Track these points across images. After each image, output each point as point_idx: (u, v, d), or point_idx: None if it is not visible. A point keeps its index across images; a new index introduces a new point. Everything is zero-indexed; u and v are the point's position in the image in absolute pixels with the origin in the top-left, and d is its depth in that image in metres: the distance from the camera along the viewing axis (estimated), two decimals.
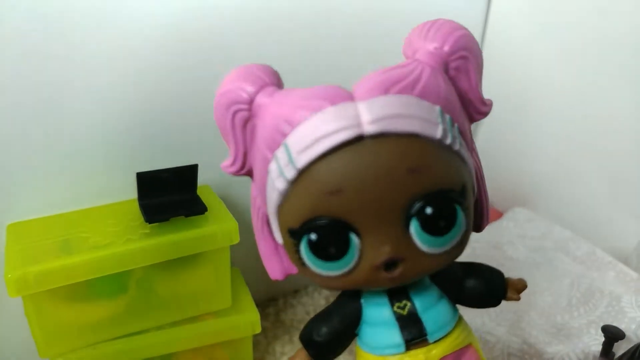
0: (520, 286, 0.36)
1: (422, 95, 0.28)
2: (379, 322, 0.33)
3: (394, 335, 0.32)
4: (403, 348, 0.31)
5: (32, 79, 0.51)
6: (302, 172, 0.28)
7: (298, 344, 0.36)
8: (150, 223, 0.53)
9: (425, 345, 0.31)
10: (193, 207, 0.56)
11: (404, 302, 0.32)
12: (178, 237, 0.53)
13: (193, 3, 0.55)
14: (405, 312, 0.32)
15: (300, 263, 0.30)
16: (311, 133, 0.27)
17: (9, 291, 0.47)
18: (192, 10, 0.56)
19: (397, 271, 0.29)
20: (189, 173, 0.57)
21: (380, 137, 0.27)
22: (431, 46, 0.30)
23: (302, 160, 0.27)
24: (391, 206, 0.28)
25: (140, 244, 0.51)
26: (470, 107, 0.32)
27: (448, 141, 0.28)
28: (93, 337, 0.53)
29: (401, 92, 0.28)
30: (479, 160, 0.34)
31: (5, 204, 0.54)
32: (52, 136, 0.54)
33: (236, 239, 0.56)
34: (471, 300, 0.35)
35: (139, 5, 0.53)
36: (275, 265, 0.35)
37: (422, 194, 0.27)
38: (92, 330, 0.53)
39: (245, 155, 0.32)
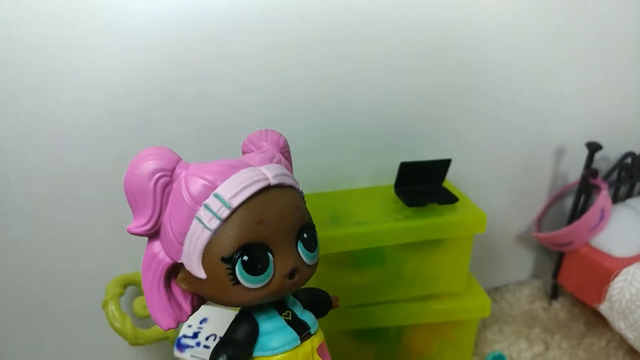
0: (336, 298, 0.51)
1: (285, 167, 0.41)
2: (275, 329, 0.41)
3: (291, 334, 0.41)
4: (299, 341, 0.41)
5: None
6: (233, 212, 0.37)
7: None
8: (410, 207, 0.61)
9: (309, 337, 0.42)
10: (445, 196, 0.62)
11: (287, 311, 0.43)
12: (433, 222, 0.60)
13: None
14: (290, 318, 0.42)
15: (233, 283, 0.38)
16: (239, 184, 0.37)
17: None
18: None
19: (296, 278, 0.40)
20: (442, 166, 0.63)
21: (279, 186, 0.39)
22: (271, 143, 0.44)
23: (235, 202, 0.37)
24: (290, 231, 0.40)
25: (400, 224, 0.59)
26: None
27: (303, 194, 0.43)
28: (353, 299, 0.62)
29: (277, 163, 0.41)
30: None
31: None
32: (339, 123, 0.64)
33: (483, 229, 0.61)
34: (314, 310, 0.46)
35: None
36: (167, 316, 0.41)
37: (302, 224, 0.40)
38: (351, 293, 0.62)
39: (159, 216, 0.38)
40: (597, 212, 0.72)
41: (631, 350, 0.71)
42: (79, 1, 0.53)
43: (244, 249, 0.37)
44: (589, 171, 0.73)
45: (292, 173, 0.44)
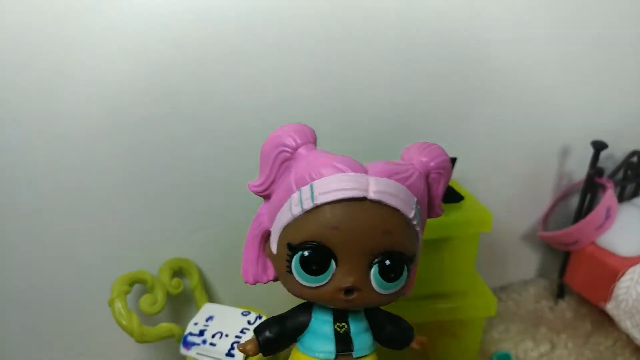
0: (422, 340, 0.48)
1: (409, 187, 0.39)
2: (321, 333, 0.41)
3: (330, 345, 0.41)
4: (333, 355, 0.41)
5: None
6: (316, 207, 0.37)
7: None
8: None
9: (348, 358, 0.41)
10: (450, 195, 0.62)
11: (343, 324, 0.41)
12: (439, 220, 0.59)
13: None
14: (342, 332, 0.41)
15: (287, 270, 0.39)
16: (334, 184, 0.37)
17: None
18: None
19: (352, 297, 0.39)
20: None
21: (377, 203, 0.37)
22: (424, 159, 0.41)
23: (321, 199, 0.37)
24: (365, 250, 0.38)
25: None
26: (431, 208, 0.43)
27: (414, 222, 0.39)
28: None
29: (397, 180, 0.39)
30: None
31: None
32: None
33: (488, 228, 0.61)
34: (386, 340, 0.45)
35: None
36: (251, 270, 0.44)
37: (387, 249, 0.38)
38: None
39: (272, 182, 0.41)
40: (602, 211, 0.72)
41: (638, 349, 0.71)
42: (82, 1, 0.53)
43: (308, 244, 0.37)
44: (595, 170, 0.73)
45: (431, 197, 0.43)
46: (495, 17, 0.67)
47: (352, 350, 0.41)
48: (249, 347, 0.42)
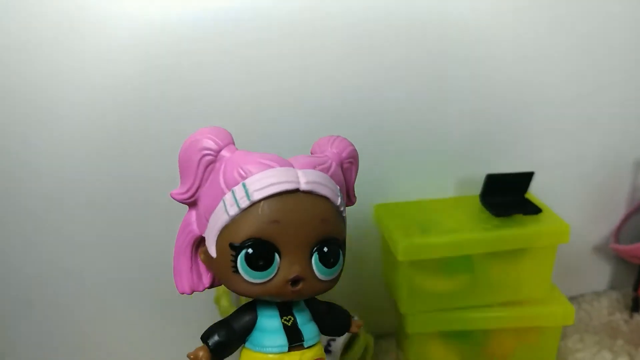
0: (359, 323, 0.50)
1: (332, 177, 0.42)
2: (270, 329, 0.42)
3: (281, 339, 0.42)
4: (286, 348, 0.42)
5: None
6: (253, 204, 0.38)
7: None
8: (498, 217, 0.64)
9: (301, 349, 0.42)
10: (529, 207, 0.66)
11: (289, 317, 0.43)
12: (520, 232, 0.63)
13: None
14: (289, 324, 0.42)
15: (233, 270, 0.39)
16: (267, 179, 0.38)
17: (399, 256, 0.61)
18: None
19: (299, 287, 0.40)
20: (525, 178, 0.67)
21: (309, 193, 0.39)
22: (335, 150, 0.44)
23: (257, 195, 0.38)
24: (306, 240, 0.40)
25: (489, 233, 0.63)
26: (347, 197, 0.46)
27: (341, 209, 0.42)
28: (440, 303, 0.66)
29: (321, 170, 0.41)
30: None
31: (374, 186, 0.70)
32: (407, 135, 0.69)
33: (566, 239, 0.64)
34: (327, 328, 0.47)
35: None
36: (187, 281, 0.44)
37: (324, 237, 0.40)
38: (440, 298, 0.66)
39: (198, 188, 0.42)
40: None
41: None
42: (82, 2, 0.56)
43: (251, 241, 0.38)
44: None
45: (347, 186, 0.45)
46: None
47: (302, 341, 0.42)
48: (201, 353, 0.41)
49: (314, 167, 0.41)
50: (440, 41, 0.66)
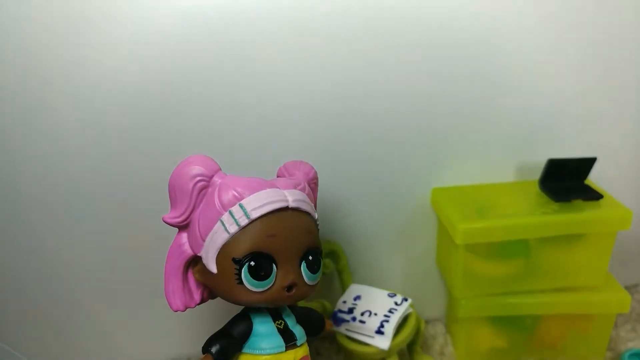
0: (329, 325, 0.57)
1: (307, 195, 0.49)
2: (266, 333, 0.48)
3: (278, 340, 0.48)
4: (284, 348, 0.47)
5: None
6: (251, 222, 0.44)
7: None
8: (557, 202, 0.63)
9: (294, 348, 0.48)
10: (590, 193, 0.64)
11: (280, 321, 0.49)
12: (580, 217, 0.62)
13: None
14: (282, 327, 0.48)
15: (237, 282, 0.44)
16: (262, 199, 0.44)
17: (457, 239, 0.61)
18: None
19: (293, 292, 0.46)
20: (587, 164, 0.65)
21: (296, 210, 0.46)
22: (302, 173, 0.52)
23: (255, 214, 0.44)
24: (296, 251, 0.46)
25: (548, 218, 0.62)
26: None
27: (318, 222, 0.50)
28: (494, 288, 0.66)
29: (300, 190, 0.48)
30: None
31: (433, 170, 0.70)
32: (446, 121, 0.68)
33: (628, 226, 0.63)
34: (308, 329, 0.52)
35: None
36: (180, 299, 0.48)
37: (309, 247, 0.47)
38: (495, 282, 0.66)
39: (191, 212, 0.46)
40: None
41: None
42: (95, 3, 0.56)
43: (253, 255, 0.44)
44: None
45: (313, 203, 0.51)
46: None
47: (295, 340, 0.49)
48: None
49: (295, 188, 0.48)
50: (502, 27, 0.65)
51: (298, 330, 0.49)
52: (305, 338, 0.51)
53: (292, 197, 0.46)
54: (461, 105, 0.66)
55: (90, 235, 0.65)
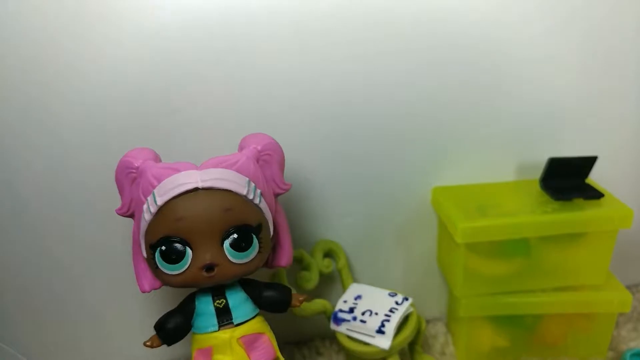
0: (301, 298, 0.54)
1: (238, 170, 0.47)
2: (205, 312, 0.49)
3: (212, 319, 0.49)
4: (217, 327, 0.49)
5: None
6: (161, 208, 0.45)
7: None
8: (557, 200, 0.63)
9: (231, 327, 0.49)
10: (591, 191, 0.64)
11: (222, 299, 0.49)
12: (581, 215, 0.62)
13: None
14: (222, 306, 0.49)
15: (155, 267, 0.46)
16: (168, 184, 0.45)
17: (457, 238, 0.61)
18: None
19: (214, 273, 0.46)
20: (588, 163, 0.65)
21: (209, 189, 0.45)
22: (252, 145, 0.50)
23: (160, 200, 0.45)
24: (212, 230, 0.45)
25: (548, 216, 0.62)
26: (273, 185, 0.51)
27: (250, 197, 0.47)
28: (495, 287, 0.66)
29: (225, 167, 0.47)
30: (283, 217, 0.54)
31: (433, 169, 0.70)
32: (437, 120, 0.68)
33: (629, 225, 0.62)
34: (267, 304, 0.52)
35: None
36: (145, 280, 0.51)
37: (232, 225, 0.46)
38: (496, 281, 0.66)
39: (130, 202, 0.48)
40: None
41: None
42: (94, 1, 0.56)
43: (163, 240, 0.45)
44: None
45: (272, 175, 0.50)
46: None
47: (231, 320, 0.49)
48: (153, 340, 0.50)
49: (216, 166, 0.47)
50: (502, 27, 0.65)
51: (242, 309, 0.50)
52: (249, 316, 0.50)
53: (202, 177, 0.45)
54: (462, 104, 0.66)
55: (90, 235, 0.65)
